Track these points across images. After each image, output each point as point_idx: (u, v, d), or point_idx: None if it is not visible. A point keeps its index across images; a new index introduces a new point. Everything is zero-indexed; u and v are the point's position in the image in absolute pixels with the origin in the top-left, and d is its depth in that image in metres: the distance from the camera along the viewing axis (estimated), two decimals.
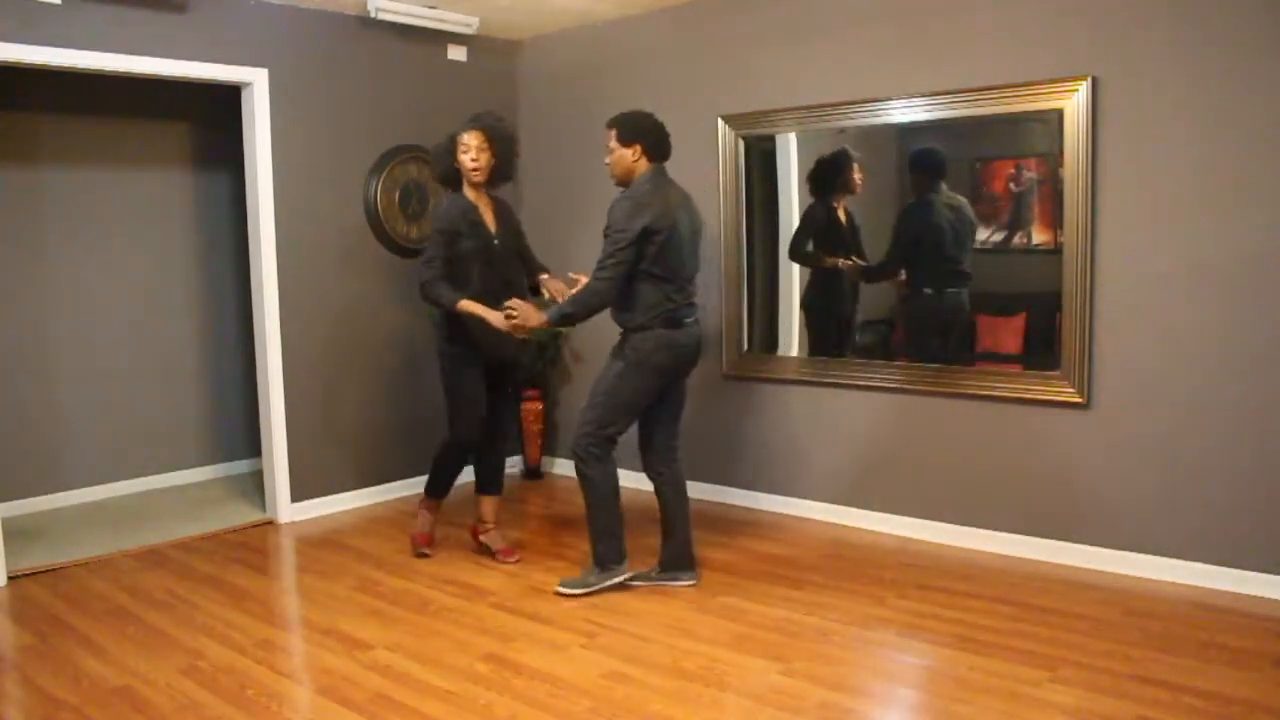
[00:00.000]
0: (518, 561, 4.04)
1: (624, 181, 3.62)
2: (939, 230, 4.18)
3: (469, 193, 3.91)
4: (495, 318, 3.72)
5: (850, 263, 4.43)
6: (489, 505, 4.18)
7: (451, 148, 3.87)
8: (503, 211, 4.01)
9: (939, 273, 4.25)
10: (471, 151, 3.82)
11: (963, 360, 4.15)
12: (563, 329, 4.80)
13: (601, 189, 3.98)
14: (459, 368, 3.96)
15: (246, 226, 4.77)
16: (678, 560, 3.76)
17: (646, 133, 3.60)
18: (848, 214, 4.47)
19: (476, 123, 3.86)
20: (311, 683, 3.04)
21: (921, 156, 4.20)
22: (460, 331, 3.90)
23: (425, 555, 4.16)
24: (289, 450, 4.76)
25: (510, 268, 3.98)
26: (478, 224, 3.88)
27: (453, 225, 3.83)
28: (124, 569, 4.10)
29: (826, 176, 4.46)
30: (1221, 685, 2.83)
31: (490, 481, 4.19)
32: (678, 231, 3.56)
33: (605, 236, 3.53)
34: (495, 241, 3.90)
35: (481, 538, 4.17)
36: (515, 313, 3.65)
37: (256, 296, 4.71)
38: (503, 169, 3.93)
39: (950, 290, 4.22)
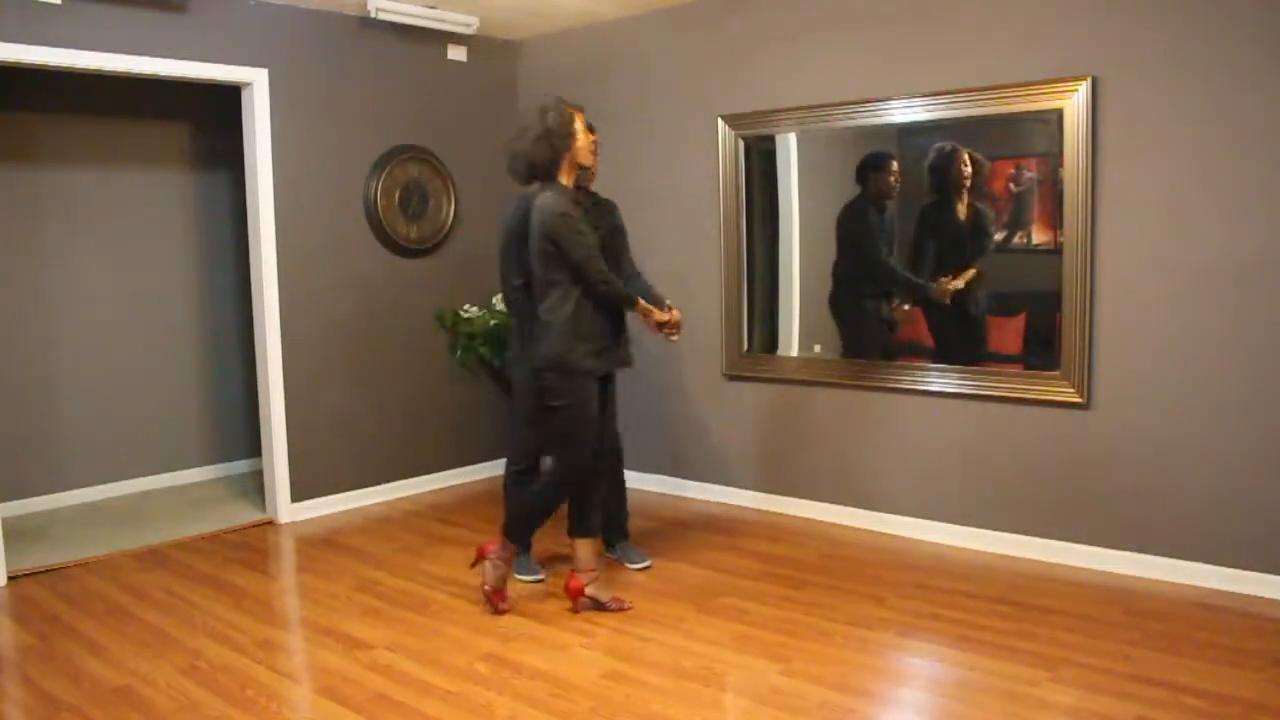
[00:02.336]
0: (629, 609, 3.54)
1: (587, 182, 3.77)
2: (859, 234, 4.39)
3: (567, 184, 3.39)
4: (663, 317, 3.57)
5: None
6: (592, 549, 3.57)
7: (570, 126, 3.27)
8: None
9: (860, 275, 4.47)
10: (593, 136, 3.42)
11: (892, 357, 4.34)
12: None
13: (599, 188, 3.97)
14: (587, 387, 3.38)
15: (246, 226, 4.77)
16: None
17: None
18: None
19: (572, 104, 3.37)
20: (311, 683, 3.04)
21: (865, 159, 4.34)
22: (593, 344, 3.38)
23: (504, 612, 3.51)
24: (289, 450, 4.76)
25: None
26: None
27: (580, 215, 3.33)
28: (124, 569, 4.10)
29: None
30: (1221, 685, 2.83)
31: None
32: None
33: (624, 236, 3.84)
34: None
35: (590, 590, 3.50)
36: (678, 316, 3.63)
37: (256, 296, 4.71)
38: None
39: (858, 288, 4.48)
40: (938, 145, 4.08)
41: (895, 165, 4.24)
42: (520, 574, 3.84)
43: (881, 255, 4.35)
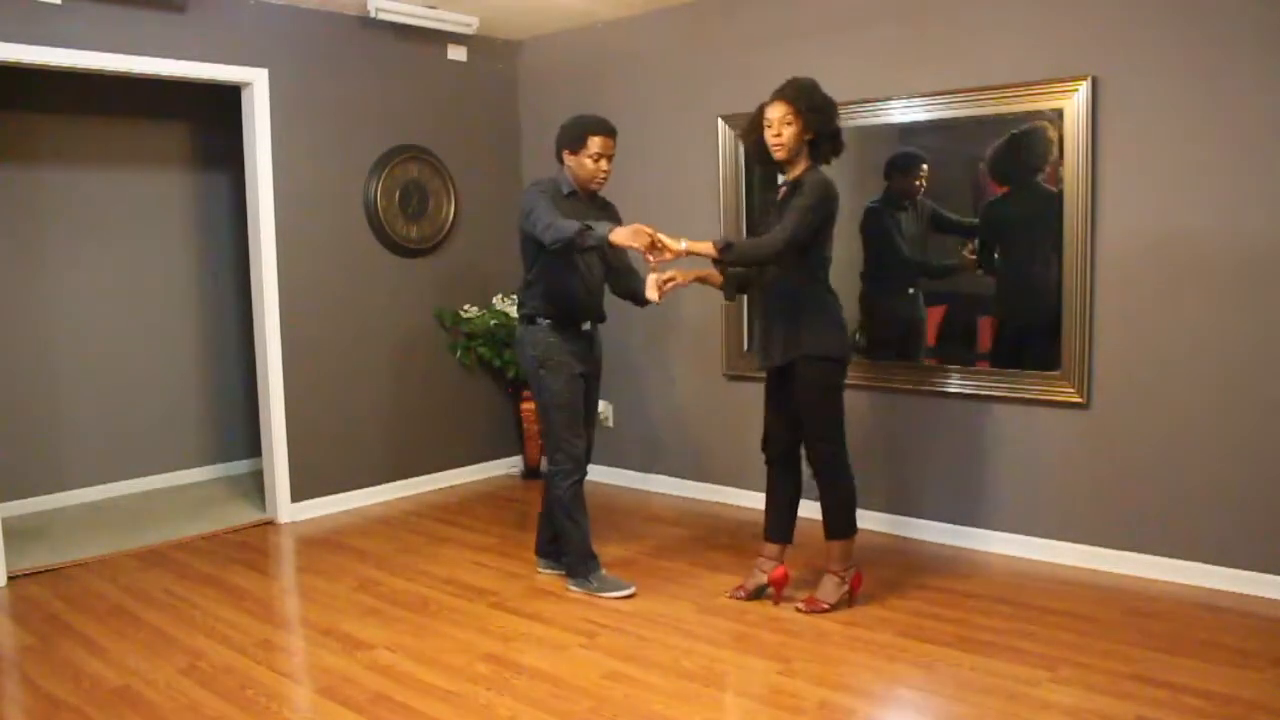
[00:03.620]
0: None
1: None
2: (885, 234, 4.31)
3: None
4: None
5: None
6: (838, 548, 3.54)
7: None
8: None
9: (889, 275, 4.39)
10: None
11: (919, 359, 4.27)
12: None
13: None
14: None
15: (246, 226, 4.77)
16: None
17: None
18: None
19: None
20: (311, 683, 3.04)
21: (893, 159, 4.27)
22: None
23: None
24: (289, 450, 4.76)
25: None
26: None
27: None
28: (124, 569, 4.10)
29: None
30: (1221, 685, 2.83)
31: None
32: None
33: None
34: None
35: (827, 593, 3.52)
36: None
37: (256, 296, 4.71)
38: None
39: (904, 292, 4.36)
40: (1022, 128, 3.82)
41: (925, 166, 4.17)
42: (609, 591, 3.67)
43: (904, 253, 4.29)
